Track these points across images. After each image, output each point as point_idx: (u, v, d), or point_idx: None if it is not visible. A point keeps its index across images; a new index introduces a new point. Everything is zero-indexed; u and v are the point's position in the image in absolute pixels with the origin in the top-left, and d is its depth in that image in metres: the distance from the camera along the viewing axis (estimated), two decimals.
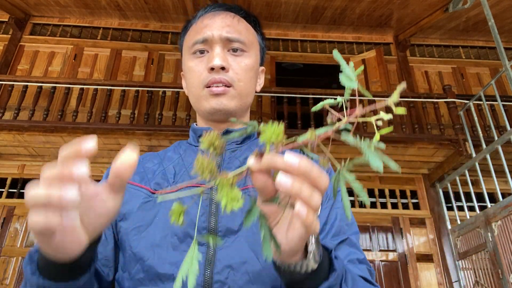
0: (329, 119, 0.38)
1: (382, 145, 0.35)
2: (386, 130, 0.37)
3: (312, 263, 0.43)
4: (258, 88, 0.81)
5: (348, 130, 0.37)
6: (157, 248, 0.60)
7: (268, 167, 0.36)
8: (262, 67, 0.83)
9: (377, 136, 0.35)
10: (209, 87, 0.70)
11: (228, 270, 0.58)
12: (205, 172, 0.36)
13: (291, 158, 0.35)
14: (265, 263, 0.58)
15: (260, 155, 0.36)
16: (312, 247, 0.44)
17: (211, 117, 0.73)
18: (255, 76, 0.77)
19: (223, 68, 0.69)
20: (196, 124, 0.79)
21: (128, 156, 0.37)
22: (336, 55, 0.41)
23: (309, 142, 0.37)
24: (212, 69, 0.69)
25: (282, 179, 0.35)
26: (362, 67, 0.40)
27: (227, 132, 0.72)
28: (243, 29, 0.75)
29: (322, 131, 0.37)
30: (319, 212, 0.59)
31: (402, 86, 0.34)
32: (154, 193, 0.65)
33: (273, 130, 0.35)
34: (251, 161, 0.37)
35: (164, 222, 0.61)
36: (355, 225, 0.67)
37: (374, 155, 0.34)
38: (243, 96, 0.73)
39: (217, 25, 0.72)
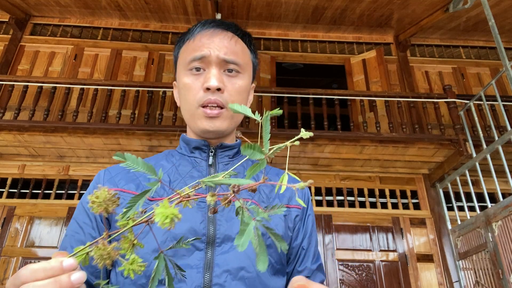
0: (230, 187, 0.43)
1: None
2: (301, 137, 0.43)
3: None
4: (248, 105, 0.83)
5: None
6: (157, 253, 0.61)
7: None
8: (253, 84, 0.86)
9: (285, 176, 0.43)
10: (204, 107, 0.72)
11: (226, 274, 0.62)
12: (106, 259, 0.40)
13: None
14: (259, 271, 0.63)
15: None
16: None
17: (203, 135, 0.76)
18: (247, 96, 0.81)
19: (218, 89, 0.71)
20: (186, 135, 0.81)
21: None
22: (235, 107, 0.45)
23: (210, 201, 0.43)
24: (208, 89, 0.71)
25: None
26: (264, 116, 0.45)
27: (221, 146, 0.76)
28: (240, 51, 0.77)
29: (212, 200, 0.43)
30: (299, 240, 0.77)
31: (310, 182, 0.41)
32: (151, 200, 0.66)
33: (169, 212, 0.40)
34: None
35: (165, 228, 0.63)
36: (317, 245, 0.80)
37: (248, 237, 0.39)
38: (235, 117, 0.76)
39: (215, 45, 0.74)
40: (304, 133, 0.40)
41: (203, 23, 0.78)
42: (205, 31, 0.77)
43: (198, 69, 0.74)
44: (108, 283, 0.65)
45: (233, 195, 0.42)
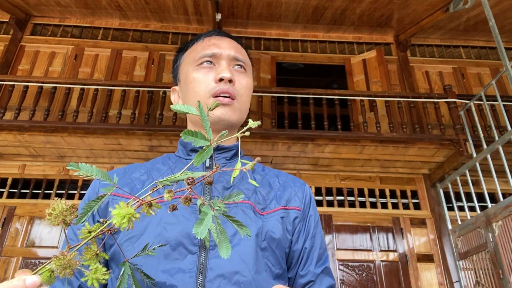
0: (184, 181, 0.45)
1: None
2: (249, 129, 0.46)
3: None
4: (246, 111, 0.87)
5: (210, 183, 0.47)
6: (149, 257, 0.61)
7: None
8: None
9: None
10: (217, 96, 0.74)
11: (220, 279, 0.60)
12: (66, 268, 0.41)
13: None
14: (255, 275, 0.62)
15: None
16: None
17: (212, 126, 0.74)
18: (250, 97, 0.83)
19: (230, 81, 0.74)
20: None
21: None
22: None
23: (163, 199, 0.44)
24: (221, 80, 0.74)
25: None
26: None
27: (218, 148, 0.76)
28: (245, 54, 0.84)
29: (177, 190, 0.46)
30: (300, 244, 0.74)
31: (257, 159, 0.46)
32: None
33: (125, 211, 0.40)
34: None
35: (156, 231, 0.63)
36: (326, 249, 0.76)
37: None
38: (242, 112, 0.78)
39: (225, 45, 0.80)
40: (252, 123, 0.43)
41: (208, 31, 0.85)
42: (213, 36, 0.82)
43: (209, 62, 0.77)
44: None
45: (189, 189, 0.43)
